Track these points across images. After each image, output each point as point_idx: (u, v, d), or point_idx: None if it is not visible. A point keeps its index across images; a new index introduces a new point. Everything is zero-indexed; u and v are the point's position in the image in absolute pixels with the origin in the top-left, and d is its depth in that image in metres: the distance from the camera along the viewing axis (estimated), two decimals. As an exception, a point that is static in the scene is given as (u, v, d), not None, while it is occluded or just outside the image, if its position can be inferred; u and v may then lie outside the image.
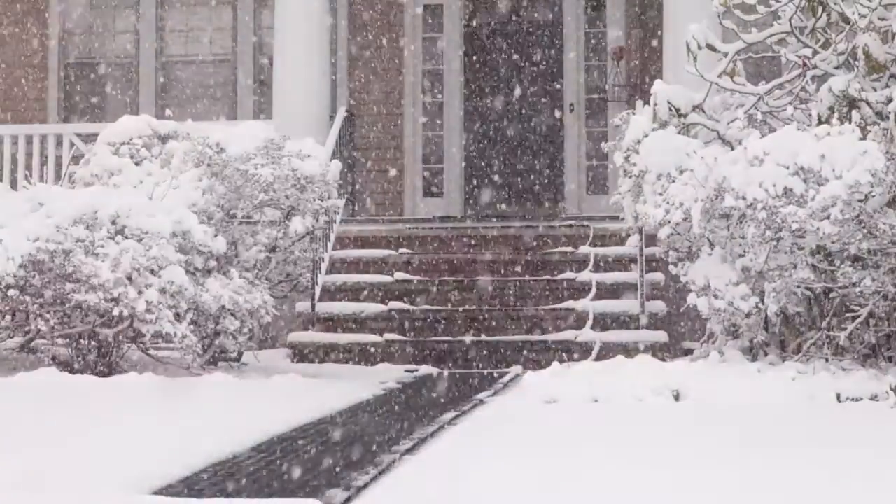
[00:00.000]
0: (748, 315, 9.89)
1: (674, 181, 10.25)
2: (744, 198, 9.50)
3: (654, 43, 15.12)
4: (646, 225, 10.71)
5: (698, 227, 9.91)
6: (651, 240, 11.79)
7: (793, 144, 9.51)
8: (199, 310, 10.46)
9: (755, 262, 9.69)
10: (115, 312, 10.04)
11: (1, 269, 10.02)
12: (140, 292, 10.06)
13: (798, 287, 9.68)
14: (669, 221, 10.06)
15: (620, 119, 11.95)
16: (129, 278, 10.08)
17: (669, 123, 10.84)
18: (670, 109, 10.88)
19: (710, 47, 10.92)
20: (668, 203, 10.05)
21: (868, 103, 10.20)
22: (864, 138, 9.63)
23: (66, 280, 10.00)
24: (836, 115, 10.16)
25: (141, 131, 12.25)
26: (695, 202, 9.89)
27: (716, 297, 9.92)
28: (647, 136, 10.74)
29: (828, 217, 9.20)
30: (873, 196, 9.22)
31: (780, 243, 9.56)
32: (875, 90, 10.37)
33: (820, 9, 10.71)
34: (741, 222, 9.75)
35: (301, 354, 12.41)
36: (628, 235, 12.28)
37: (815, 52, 10.77)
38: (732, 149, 10.43)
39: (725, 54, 10.99)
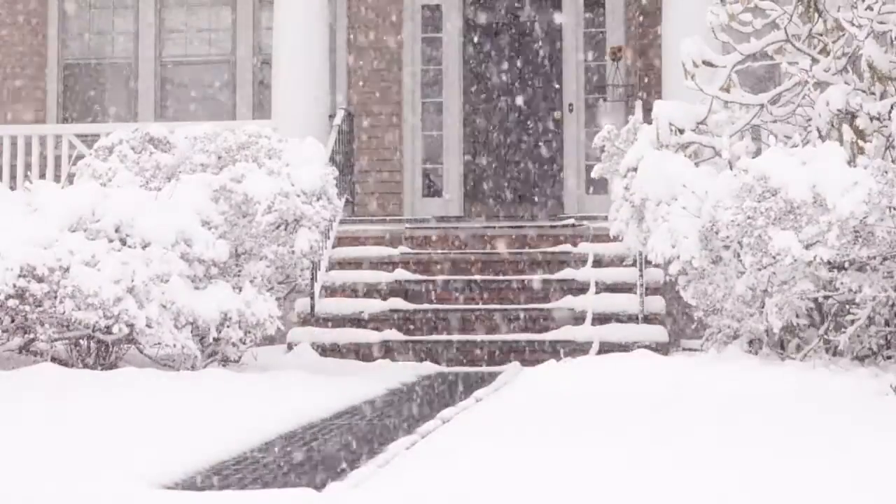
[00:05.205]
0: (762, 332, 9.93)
1: (664, 219, 10.21)
2: (736, 222, 9.51)
3: (654, 42, 15.14)
4: (654, 259, 10.64)
5: (699, 259, 9.92)
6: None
7: (783, 173, 9.46)
8: (196, 324, 10.55)
9: (758, 283, 9.68)
10: (115, 330, 10.09)
11: (0, 279, 10.05)
12: (141, 306, 10.11)
13: (801, 299, 9.65)
14: (679, 257, 10.00)
15: (601, 139, 11.92)
16: (131, 290, 10.11)
17: (669, 145, 10.82)
18: (672, 131, 10.86)
19: (707, 63, 10.89)
20: (673, 237, 9.99)
21: (867, 113, 10.17)
22: (859, 153, 9.63)
23: (66, 297, 10.01)
24: (834, 128, 10.15)
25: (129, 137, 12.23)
26: (692, 230, 9.87)
27: (717, 313, 9.95)
28: (641, 159, 10.71)
29: (822, 238, 9.17)
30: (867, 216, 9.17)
31: (778, 264, 9.54)
32: (874, 94, 10.35)
33: (816, 15, 10.69)
34: (741, 247, 9.73)
35: (300, 352, 12.41)
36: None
37: (814, 60, 10.72)
38: (731, 166, 10.42)
39: (724, 67, 10.98)
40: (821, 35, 10.80)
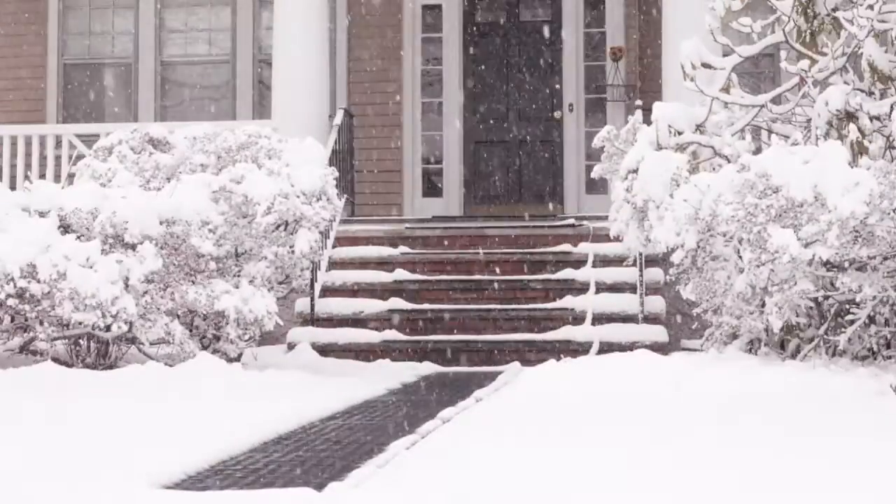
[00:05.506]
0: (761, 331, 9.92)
1: (667, 209, 10.22)
2: (736, 218, 9.52)
3: (654, 42, 15.14)
4: (657, 250, 10.65)
5: (700, 258, 9.93)
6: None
7: (785, 171, 9.45)
8: (194, 323, 10.54)
9: (757, 280, 9.68)
10: (115, 328, 10.12)
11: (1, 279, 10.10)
12: (137, 303, 10.15)
13: (801, 299, 9.65)
14: (683, 245, 9.99)
15: (601, 139, 11.91)
16: (126, 286, 10.14)
17: (668, 146, 10.82)
18: (671, 133, 10.86)
19: (706, 65, 10.88)
20: (678, 225, 9.99)
21: (867, 113, 10.15)
22: (863, 153, 9.61)
23: (65, 299, 10.03)
24: (834, 128, 10.14)
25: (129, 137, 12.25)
26: (690, 226, 9.89)
27: (716, 312, 9.94)
28: (641, 160, 10.70)
29: (822, 237, 9.17)
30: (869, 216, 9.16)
31: (776, 262, 9.53)
32: (874, 94, 10.33)
33: (811, 15, 10.68)
34: (740, 243, 9.73)
35: (300, 352, 12.41)
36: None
37: (813, 61, 10.70)
38: (728, 161, 10.42)
39: (723, 69, 10.97)
40: (816, 32, 10.78)
